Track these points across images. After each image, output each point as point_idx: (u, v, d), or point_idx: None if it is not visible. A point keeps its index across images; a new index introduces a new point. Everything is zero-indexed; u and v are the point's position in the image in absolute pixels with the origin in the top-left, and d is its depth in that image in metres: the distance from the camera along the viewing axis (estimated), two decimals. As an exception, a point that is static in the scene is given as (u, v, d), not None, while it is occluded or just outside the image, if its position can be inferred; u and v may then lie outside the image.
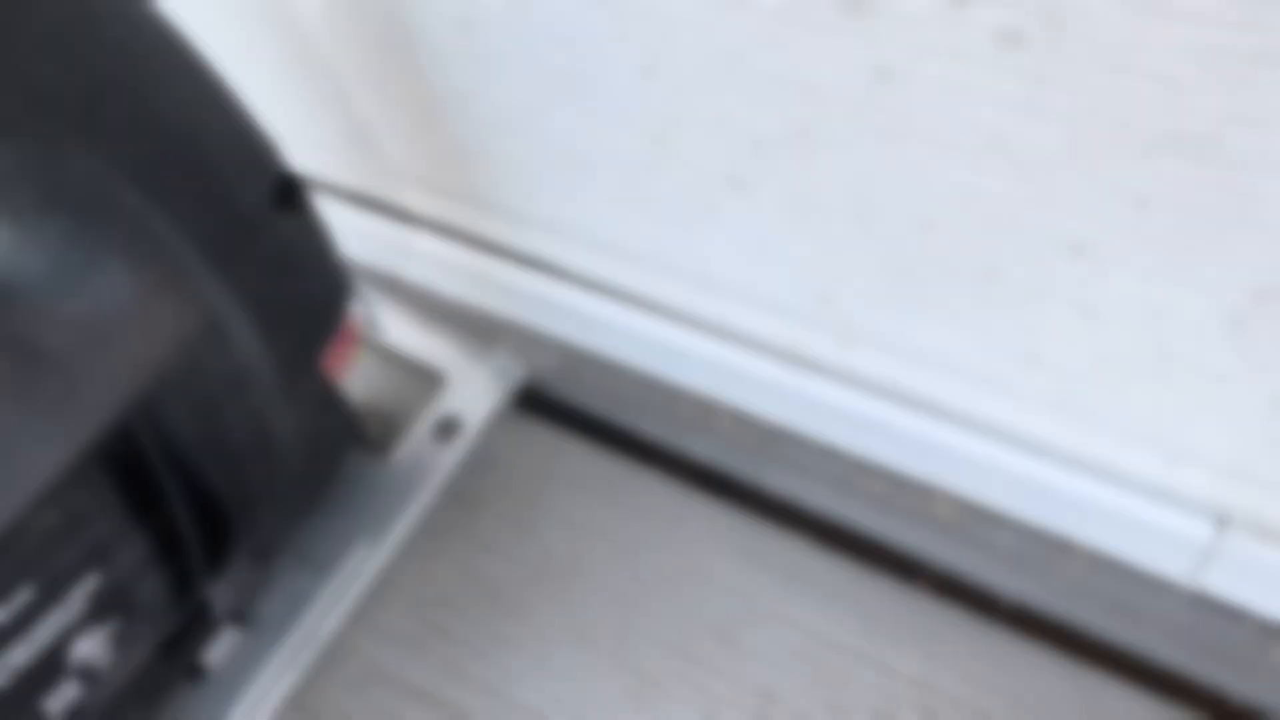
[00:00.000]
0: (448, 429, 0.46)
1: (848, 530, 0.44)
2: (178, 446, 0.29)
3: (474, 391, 0.47)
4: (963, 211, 0.31)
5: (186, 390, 0.27)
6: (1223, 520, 0.35)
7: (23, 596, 0.27)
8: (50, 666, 0.29)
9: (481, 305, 0.49)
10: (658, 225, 0.39)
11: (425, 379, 0.50)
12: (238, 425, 0.29)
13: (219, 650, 0.41)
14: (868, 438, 0.42)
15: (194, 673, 0.41)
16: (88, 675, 0.31)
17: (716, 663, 0.41)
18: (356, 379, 0.52)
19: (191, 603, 0.34)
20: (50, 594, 0.28)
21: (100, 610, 0.30)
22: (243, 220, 0.30)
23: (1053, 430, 0.36)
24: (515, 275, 0.47)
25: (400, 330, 0.49)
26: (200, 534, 0.32)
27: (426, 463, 0.44)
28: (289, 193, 0.32)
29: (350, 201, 0.50)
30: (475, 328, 0.50)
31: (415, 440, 0.46)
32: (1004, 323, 0.33)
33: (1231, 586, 0.37)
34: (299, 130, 0.46)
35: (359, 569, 0.42)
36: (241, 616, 0.42)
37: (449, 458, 0.45)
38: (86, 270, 0.25)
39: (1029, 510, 0.40)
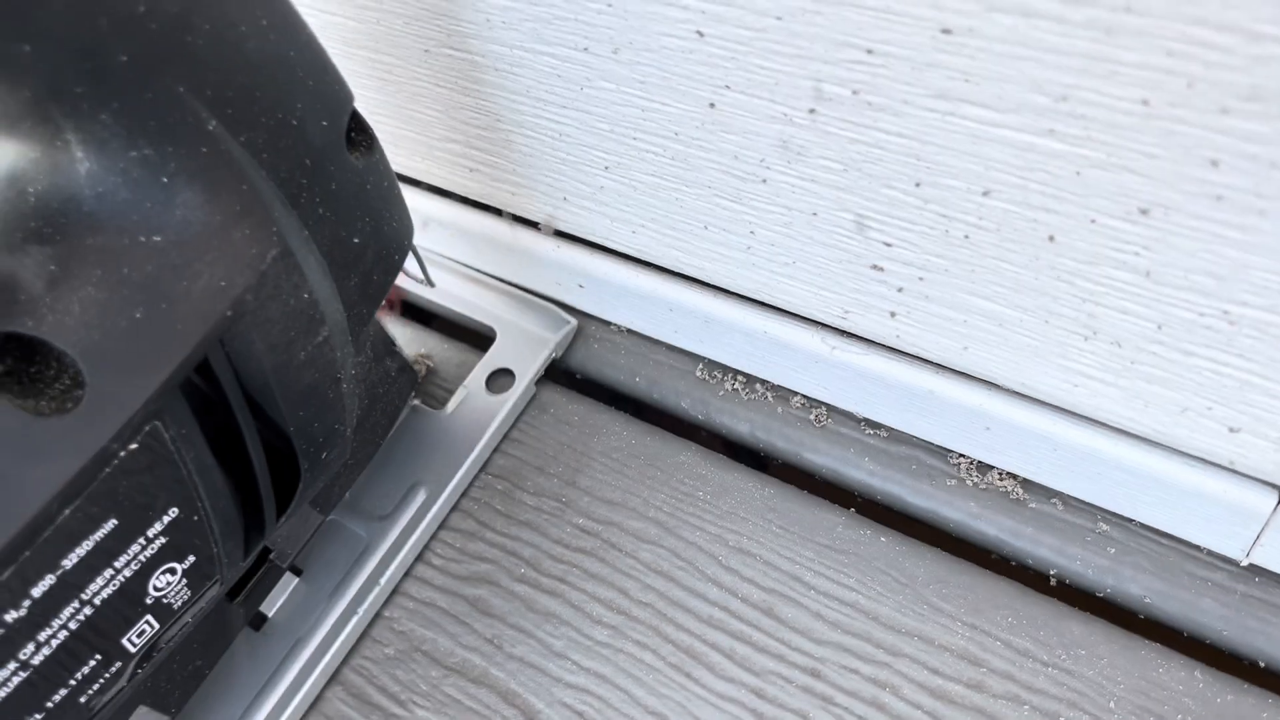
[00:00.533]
0: (500, 382, 0.46)
1: (891, 506, 0.44)
2: (254, 383, 0.29)
3: (524, 345, 0.47)
4: (1025, 173, 0.30)
5: (262, 326, 0.27)
6: (1281, 494, 0.35)
7: (107, 527, 0.27)
8: (131, 600, 0.29)
9: (519, 280, 0.49)
10: (706, 197, 0.39)
11: (476, 333, 0.50)
12: (310, 365, 0.29)
13: (278, 600, 0.41)
14: (911, 412, 0.42)
15: (258, 620, 0.41)
16: (164, 612, 0.31)
17: (759, 638, 0.41)
18: (410, 330, 0.53)
19: (259, 545, 0.34)
20: (133, 527, 0.28)
21: (178, 547, 0.30)
22: (316, 156, 0.29)
23: (1108, 402, 0.36)
24: (554, 250, 0.47)
25: (450, 284, 0.49)
26: (271, 476, 0.32)
27: (481, 415, 0.44)
28: (361, 132, 0.32)
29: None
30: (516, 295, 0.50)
31: (469, 393, 0.46)
32: (1063, 290, 0.33)
33: (1288, 562, 0.37)
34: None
35: (417, 522, 0.42)
36: (298, 567, 0.42)
37: (502, 410, 0.44)
38: (168, 198, 0.25)
39: (1081, 485, 0.40)
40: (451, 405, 0.45)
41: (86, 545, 0.27)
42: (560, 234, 0.47)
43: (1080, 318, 0.33)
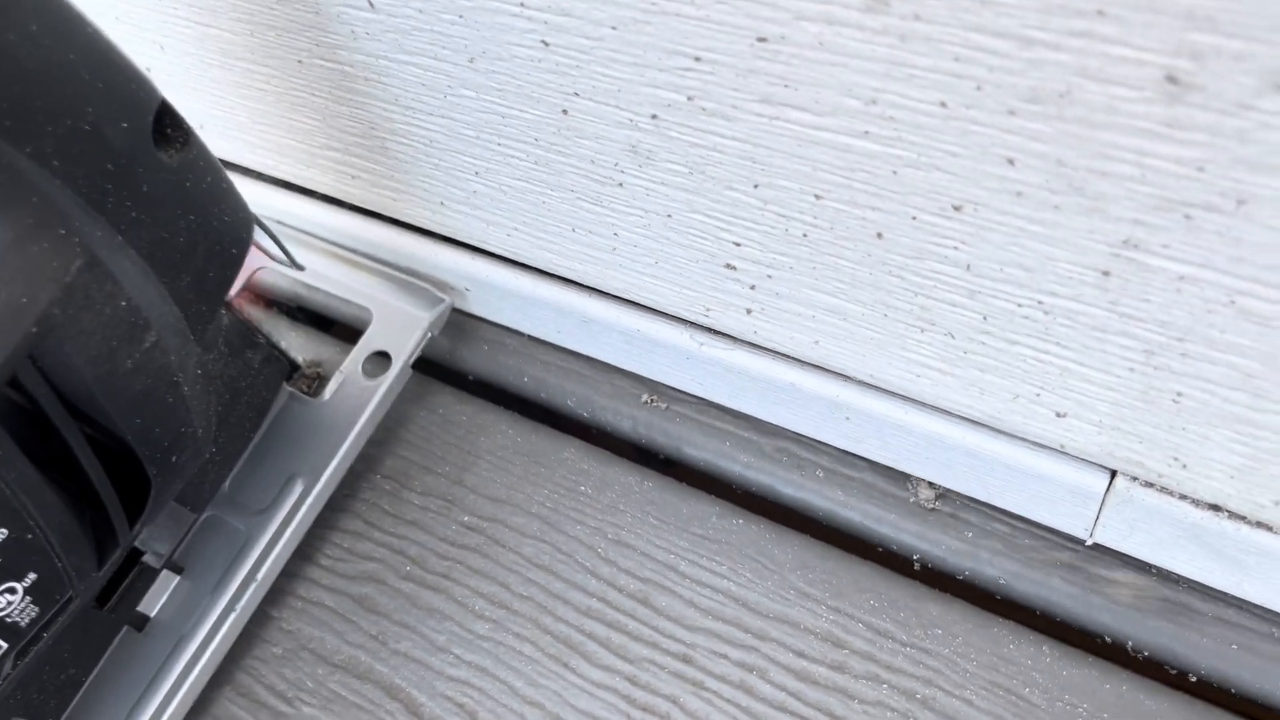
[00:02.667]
0: (377, 365, 0.46)
1: (763, 496, 0.46)
2: (78, 395, 0.29)
3: (400, 326, 0.47)
4: (848, 174, 0.32)
5: (76, 338, 0.27)
6: (1114, 473, 0.37)
7: None
8: None
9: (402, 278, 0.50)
10: (570, 200, 0.40)
11: (349, 316, 0.51)
12: (139, 371, 0.29)
13: (160, 599, 0.42)
14: (779, 405, 0.43)
15: (138, 622, 0.41)
16: (8, 630, 0.31)
17: (634, 627, 0.42)
18: (280, 318, 0.53)
19: (115, 555, 0.34)
20: None
21: (12, 565, 0.30)
22: (119, 159, 0.29)
23: (948, 391, 0.37)
24: (439, 254, 0.48)
25: (321, 266, 0.49)
26: (116, 484, 0.32)
27: (357, 400, 0.45)
28: (176, 129, 0.32)
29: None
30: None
31: (345, 378, 0.46)
32: (896, 284, 0.35)
33: (1123, 539, 0.39)
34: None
35: (296, 511, 0.43)
36: (178, 565, 0.42)
37: (378, 393, 0.45)
38: None
39: (938, 472, 0.42)
40: (328, 392, 0.46)
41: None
42: (445, 239, 0.48)
43: (914, 310, 0.35)
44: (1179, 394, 0.32)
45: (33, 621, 0.32)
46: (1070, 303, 0.31)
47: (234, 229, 0.35)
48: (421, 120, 0.41)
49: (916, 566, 0.43)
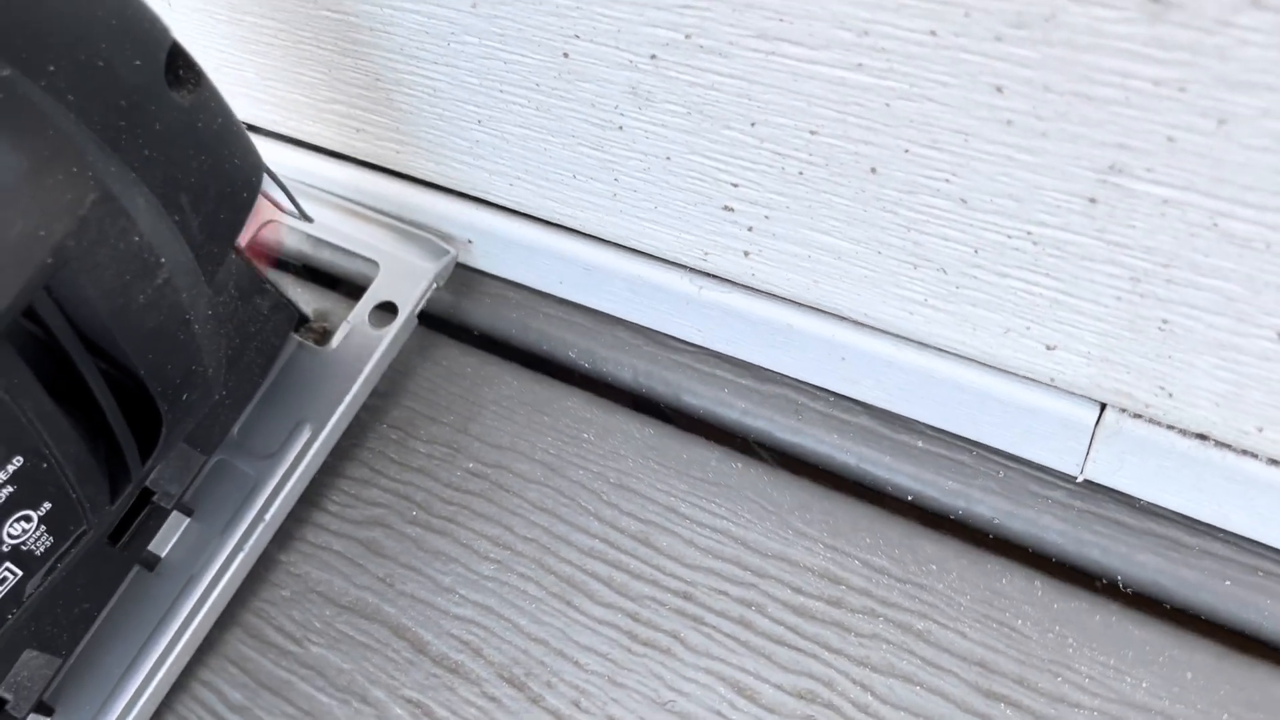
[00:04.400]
0: (383, 316, 0.47)
1: (762, 442, 0.47)
2: (93, 329, 0.30)
3: (406, 277, 0.48)
4: (842, 108, 0.33)
5: (91, 271, 0.28)
6: (1103, 406, 0.38)
7: None
8: None
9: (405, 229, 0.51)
10: (571, 145, 0.41)
11: (354, 274, 0.51)
12: (152, 308, 0.30)
13: (170, 540, 0.43)
14: (776, 349, 0.44)
15: (149, 561, 0.42)
16: (24, 558, 0.32)
17: (636, 566, 0.43)
18: (285, 276, 0.54)
19: (127, 490, 0.35)
20: None
21: (28, 493, 0.31)
22: (133, 96, 0.30)
23: (941, 328, 0.38)
24: (443, 205, 0.49)
25: (329, 219, 0.50)
26: (128, 420, 0.33)
27: (363, 349, 0.45)
28: (188, 69, 0.33)
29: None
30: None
31: (352, 328, 0.47)
32: (889, 220, 0.35)
33: (1113, 473, 0.39)
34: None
35: (304, 455, 0.44)
36: (188, 507, 0.43)
37: (384, 342, 0.46)
38: None
39: (932, 412, 0.43)
40: (335, 341, 0.46)
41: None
42: (448, 190, 0.49)
43: (907, 246, 0.36)
44: (1164, 321, 0.33)
45: (47, 551, 0.33)
46: (1059, 232, 0.32)
47: (244, 172, 0.36)
48: (425, 69, 0.42)
49: (911, 506, 0.44)
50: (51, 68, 0.28)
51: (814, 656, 0.40)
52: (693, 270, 0.44)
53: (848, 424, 0.45)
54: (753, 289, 0.43)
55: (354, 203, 0.51)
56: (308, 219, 0.47)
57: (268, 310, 0.43)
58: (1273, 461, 0.36)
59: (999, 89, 0.29)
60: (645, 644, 0.42)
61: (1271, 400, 0.33)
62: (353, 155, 0.51)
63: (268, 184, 0.42)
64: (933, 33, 0.29)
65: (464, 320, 0.53)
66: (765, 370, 0.47)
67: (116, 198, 0.29)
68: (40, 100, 0.28)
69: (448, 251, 0.49)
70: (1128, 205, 0.30)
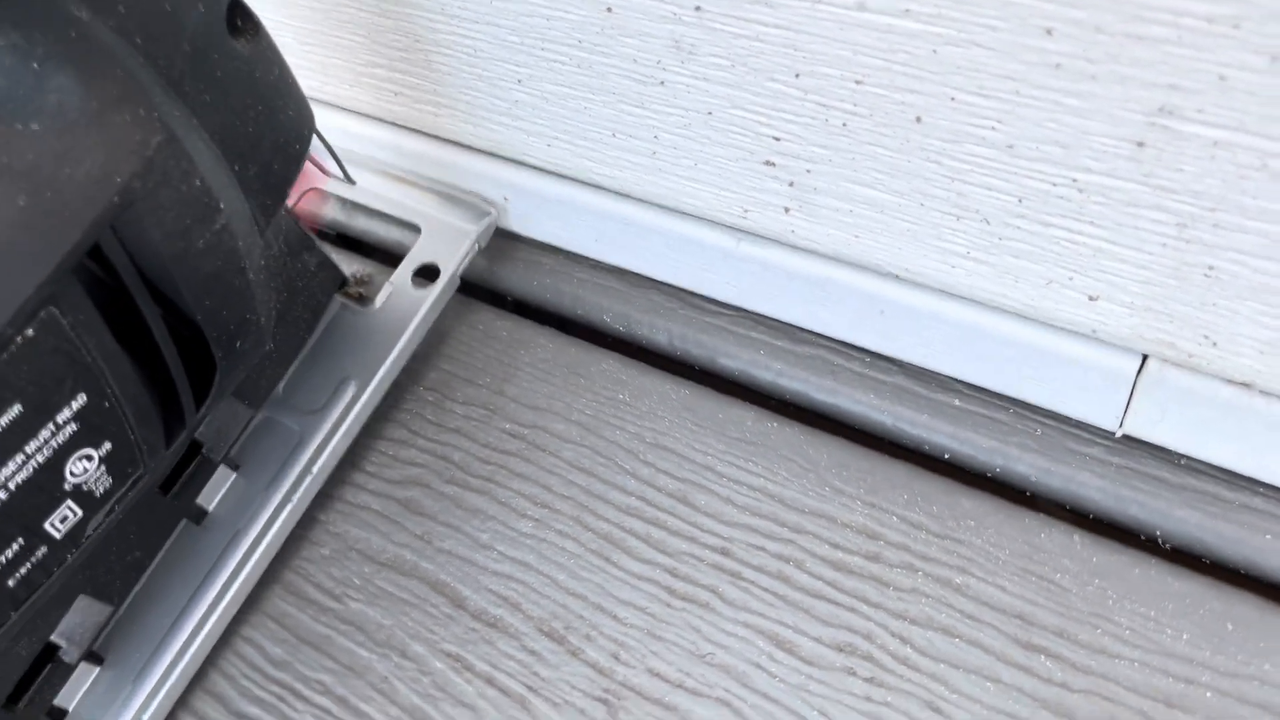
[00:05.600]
0: (426, 275, 0.48)
1: (798, 403, 0.47)
2: (155, 271, 0.30)
3: (448, 239, 0.48)
4: (888, 55, 0.33)
5: (155, 212, 0.28)
6: (1145, 357, 0.38)
7: (12, 413, 0.29)
8: (47, 485, 0.31)
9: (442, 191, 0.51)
10: (612, 103, 0.41)
11: (391, 242, 0.52)
12: (210, 253, 0.31)
13: (217, 494, 0.43)
14: (815, 304, 0.44)
15: (197, 515, 0.43)
16: (85, 498, 0.33)
17: (674, 523, 0.44)
18: (324, 244, 0.54)
19: (182, 436, 0.35)
20: (39, 411, 0.29)
21: (90, 432, 0.31)
22: (196, 42, 0.30)
23: (983, 280, 0.38)
24: (479, 163, 0.49)
25: (371, 183, 0.51)
26: (184, 364, 0.34)
27: (407, 309, 0.46)
28: (246, 20, 0.33)
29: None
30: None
31: (395, 289, 0.47)
32: (933, 170, 0.36)
33: (1153, 425, 0.40)
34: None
35: (349, 412, 0.44)
36: (234, 462, 0.44)
37: (427, 302, 0.46)
38: (41, 85, 0.26)
39: (970, 367, 0.43)
40: (379, 301, 0.47)
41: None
42: (485, 152, 0.49)
43: (950, 197, 0.36)
44: (1210, 267, 0.33)
45: (107, 492, 0.33)
46: (1104, 178, 0.32)
47: (297, 124, 0.37)
48: (466, 29, 0.42)
49: (948, 465, 0.44)
50: (121, 8, 0.29)
51: (852, 610, 0.41)
52: (732, 229, 0.44)
53: (884, 384, 0.45)
54: (792, 246, 0.43)
55: (393, 167, 0.51)
56: (351, 181, 0.47)
57: (314, 268, 0.43)
58: (1315, 412, 0.36)
59: (1049, 31, 0.30)
60: (684, 598, 0.42)
61: (1316, 347, 0.33)
62: (390, 119, 0.51)
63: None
64: (983, -26, 0.29)
65: (499, 286, 0.53)
66: (801, 330, 0.47)
67: (180, 140, 0.30)
68: (110, 41, 0.28)
69: (488, 213, 0.49)
70: (1176, 148, 0.30)
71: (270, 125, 0.34)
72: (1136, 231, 0.33)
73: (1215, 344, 0.35)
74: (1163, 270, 0.34)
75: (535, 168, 0.48)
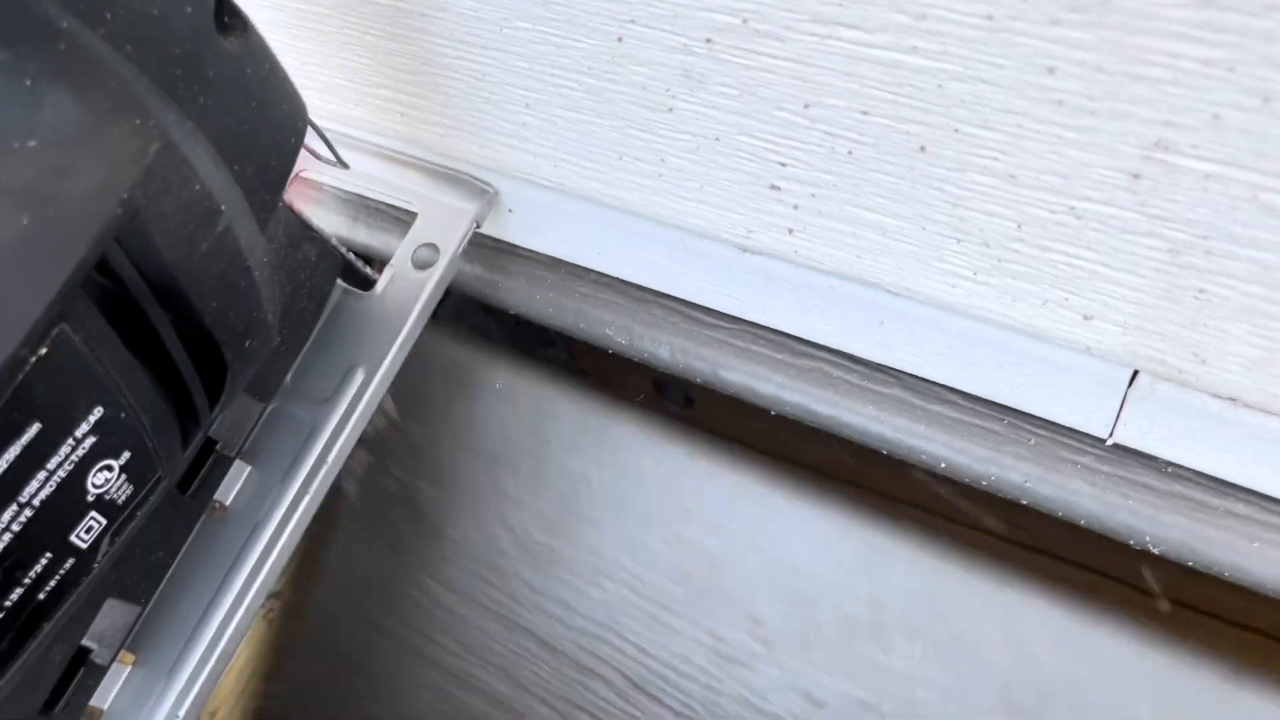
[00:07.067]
0: (425, 258, 0.48)
1: (799, 417, 0.48)
2: (161, 279, 0.31)
3: (446, 218, 0.49)
4: (895, 89, 0.34)
5: (157, 221, 0.29)
6: (1136, 372, 0.40)
7: (32, 432, 0.29)
8: (71, 499, 0.31)
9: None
10: (620, 128, 0.42)
11: (396, 212, 0.52)
12: (214, 256, 0.31)
13: (234, 489, 0.44)
14: (815, 315, 0.46)
15: (215, 510, 0.43)
16: (108, 507, 0.33)
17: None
18: (330, 216, 0.54)
19: (197, 437, 0.36)
20: (59, 429, 0.30)
21: (109, 443, 0.32)
22: (187, 44, 0.30)
23: (981, 299, 0.40)
24: (475, 172, 0.50)
25: (365, 165, 0.51)
26: (195, 367, 0.34)
27: (409, 292, 0.47)
28: (233, 16, 0.33)
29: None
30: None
31: (396, 272, 0.48)
32: (936, 197, 0.37)
33: (1142, 435, 0.41)
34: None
35: (360, 398, 0.45)
36: (249, 455, 0.44)
37: (429, 284, 0.47)
38: (35, 101, 0.26)
39: (966, 376, 0.44)
40: (380, 285, 0.47)
41: (14, 450, 0.29)
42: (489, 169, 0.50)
43: (952, 222, 0.37)
44: (1201, 290, 0.35)
45: (128, 500, 0.34)
46: (1101, 206, 0.34)
47: (291, 118, 0.36)
48: (475, 55, 0.43)
49: (943, 473, 0.46)
50: (109, 15, 0.28)
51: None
52: (735, 247, 0.45)
53: (882, 395, 0.47)
54: (795, 262, 0.44)
55: (385, 149, 0.52)
56: (344, 165, 0.48)
57: (315, 257, 0.44)
58: (1298, 423, 0.38)
59: (1051, 70, 0.31)
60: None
61: (1300, 364, 0.35)
62: (394, 138, 0.52)
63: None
64: (989, 16, 0.31)
65: (501, 304, 0.54)
66: (800, 341, 0.48)
67: (177, 146, 0.29)
68: (100, 50, 0.28)
69: (486, 190, 0.49)
70: (1171, 180, 0.32)
71: (265, 121, 0.34)
72: (1131, 256, 0.35)
73: (1204, 361, 0.37)
74: (1155, 293, 0.35)
75: (539, 184, 0.49)
